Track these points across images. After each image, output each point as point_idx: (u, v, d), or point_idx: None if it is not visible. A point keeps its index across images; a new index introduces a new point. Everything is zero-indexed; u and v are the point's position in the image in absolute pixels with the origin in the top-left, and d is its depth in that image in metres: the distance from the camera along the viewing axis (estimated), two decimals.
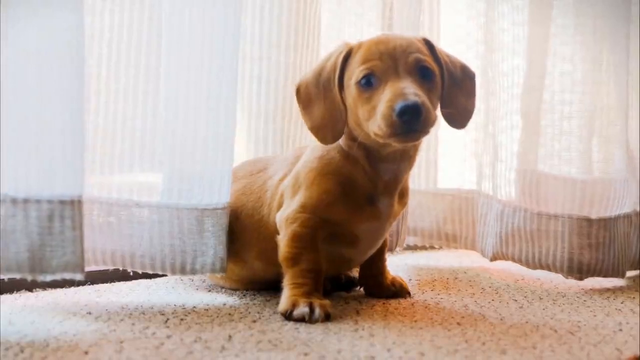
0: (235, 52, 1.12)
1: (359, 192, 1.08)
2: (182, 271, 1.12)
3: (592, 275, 1.37)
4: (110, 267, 1.14)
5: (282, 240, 1.08)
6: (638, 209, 1.46)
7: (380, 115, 0.98)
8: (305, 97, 1.09)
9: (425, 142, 1.56)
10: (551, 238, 1.38)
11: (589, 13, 1.41)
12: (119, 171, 1.14)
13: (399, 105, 0.96)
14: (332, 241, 1.10)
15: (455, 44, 1.57)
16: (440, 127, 1.59)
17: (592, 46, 1.42)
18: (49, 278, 0.96)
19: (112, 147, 1.13)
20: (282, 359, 0.84)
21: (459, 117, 1.10)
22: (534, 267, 1.40)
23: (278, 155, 1.26)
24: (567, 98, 1.42)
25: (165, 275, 1.27)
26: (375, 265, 1.21)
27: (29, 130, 0.95)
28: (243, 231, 1.15)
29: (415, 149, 1.10)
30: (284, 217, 1.08)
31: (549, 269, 1.39)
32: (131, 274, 1.19)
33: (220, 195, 1.13)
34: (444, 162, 1.62)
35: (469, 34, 1.56)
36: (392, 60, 1.01)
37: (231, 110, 1.13)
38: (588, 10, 1.41)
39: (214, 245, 1.12)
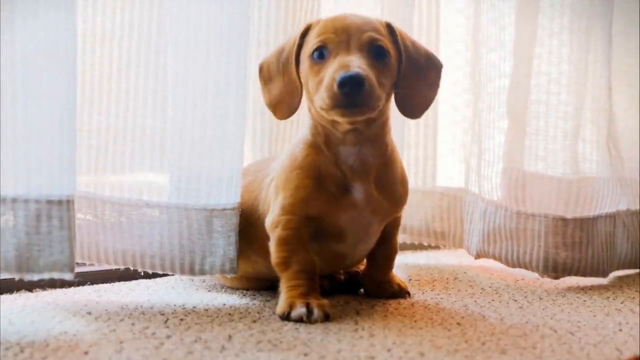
0: (243, 50, 1.12)
1: (329, 182, 1.07)
2: (192, 272, 1.12)
3: (569, 274, 1.36)
4: (122, 267, 1.14)
5: (271, 246, 1.08)
6: (635, 208, 1.46)
7: (324, 87, 0.99)
8: (267, 74, 1.11)
9: (423, 139, 1.58)
10: (529, 237, 1.37)
11: (576, 14, 1.40)
12: (130, 170, 1.14)
13: (340, 75, 0.96)
14: (319, 238, 1.10)
15: (453, 43, 1.58)
16: (440, 126, 1.60)
17: (577, 46, 1.41)
18: (36, 277, 0.96)
19: (123, 146, 1.14)
20: (282, 359, 0.84)
21: (414, 106, 1.10)
22: (513, 266, 1.40)
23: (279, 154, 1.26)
24: (553, 98, 1.42)
25: (166, 275, 1.27)
26: (381, 267, 1.20)
27: (18, 130, 0.95)
28: (246, 227, 1.15)
29: (375, 131, 1.08)
30: (269, 222, 1.09)
31: (527, 268, 1.38)
32: (132, 271, 1.19)
33: (229, 195, 1.12)
34: (440, 161, 1.61)
35: (466, 33, 1.56)
36: (345, 35, 1.02)
37: (240, 109, 1.12)
38: (576, 11, 1.40)
39: (223, 246, 1.12)
